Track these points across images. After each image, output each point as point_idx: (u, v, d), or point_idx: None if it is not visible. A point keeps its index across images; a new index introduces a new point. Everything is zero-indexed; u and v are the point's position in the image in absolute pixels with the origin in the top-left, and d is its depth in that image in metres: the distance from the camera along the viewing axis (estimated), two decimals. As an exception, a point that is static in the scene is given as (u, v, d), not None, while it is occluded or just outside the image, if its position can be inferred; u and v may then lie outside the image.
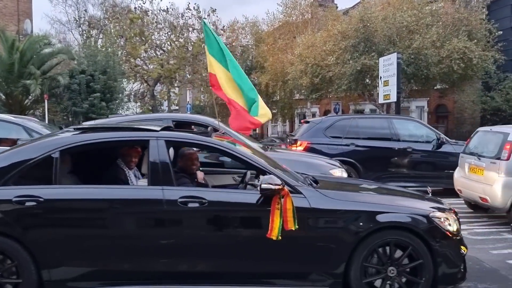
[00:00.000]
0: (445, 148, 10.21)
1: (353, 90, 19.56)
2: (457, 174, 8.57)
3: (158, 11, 28.84)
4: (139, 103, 32.61)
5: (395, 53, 14.99)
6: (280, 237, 3.87)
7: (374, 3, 20.91)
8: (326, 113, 26.97)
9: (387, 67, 15.20)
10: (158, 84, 30.96)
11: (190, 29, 28.27)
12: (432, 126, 13.31)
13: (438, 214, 4.30)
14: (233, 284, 4.09)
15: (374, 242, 4.10)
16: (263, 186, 3.87)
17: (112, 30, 28.33)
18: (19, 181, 4.04)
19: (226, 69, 5.60)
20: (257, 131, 37.82)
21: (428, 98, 23.55)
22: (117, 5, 30.54)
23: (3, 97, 21.36)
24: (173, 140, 4.34)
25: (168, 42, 28.73)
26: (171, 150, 4.97)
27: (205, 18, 27.86)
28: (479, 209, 8.41)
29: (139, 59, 28.78)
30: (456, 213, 4.57)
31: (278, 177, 4.02)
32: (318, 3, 27.72)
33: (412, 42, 17.33)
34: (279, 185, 3.88)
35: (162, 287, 4.05)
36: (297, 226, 3.91)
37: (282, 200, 3.90)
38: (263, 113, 5.49)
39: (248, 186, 4.51)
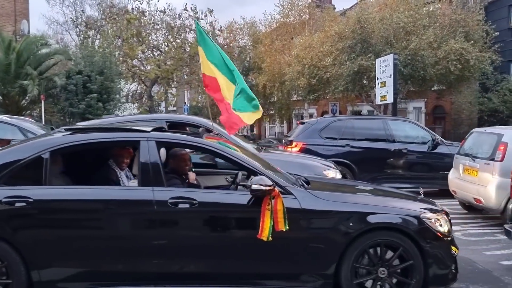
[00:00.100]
0: (440, 149, 10.22)
1: (350, 91, 19.60)
2: (451, 175, 8.58)
3: (155, 12, 28.89)
4: (136, 104, 32.58)
5: (392, 54, 14.99)
6: (270, 238, 3.86)
7: (371, 4, 20.96)
8: (323, 114, 26.99)
9: (384, 68, 15.19)
10: (156, 85, 30.95)
11: (187, 30, 28.27)
12: (429, 127, 13.37)
13: (429, 215, 4.29)
14: (225, 285, 4.08)
15: (365, 243, 4.10)
16: (254, 187, 3.87)
17: (109, 31, 28.31)
18: (9, 181, 4.03)
19: (220, 70, 5.59)
20: (254, 132, 37.85)
21: (426, 99, 23.60)
22: (114, 6, 30.53)
23: (0, 97, 21.34)
24: (163, 141, 4.33)
25: (165, 43, 28.73)
26: (163, 151, 4.97)
27: (202, 19, 27.90)
28: (474, 210, 8.42)
29: (136, 59, 28.78)
30: (447, 214, 4.57)
31: (269, 178, 4.01)
32: (315, 4, 27.77)
33: (409, 43, 17.37)
34: (270, 186, 3.87)
35: (152, 288, 4.04)
36: (287, 227, 3.91)
37: (273, 201, 3.90)
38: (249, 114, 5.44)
39: (239, 187, 4.50)
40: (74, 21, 32.33)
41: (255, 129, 39.71)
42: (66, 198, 4.07)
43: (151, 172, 4.07)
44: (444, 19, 18.75)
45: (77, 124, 8.07)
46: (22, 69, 20.36)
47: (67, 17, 33.52)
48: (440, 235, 4.26)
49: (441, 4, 19.91)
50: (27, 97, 21.31)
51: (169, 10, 29.25)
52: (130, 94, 32.39)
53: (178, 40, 28.24)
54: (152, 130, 4.36)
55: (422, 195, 5.10)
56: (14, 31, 27.15)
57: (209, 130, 6.09)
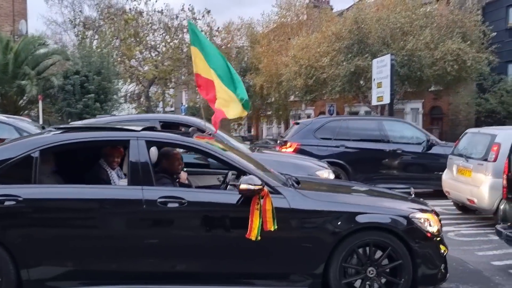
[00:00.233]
0: (435, 150, 10.23)
1: (347, 92, 19.62)
2: (445, 175, 8.60)
3: (153, 12, 28.90)
4: (134, 105, 32.59)
5: (389, 55, 15.00)
6: (259, 238, 3.87)
7: (368, 4, 20.98)
8: (320, 115, 27.02)
9: (381, 68, 15.21)
10: (153, 85, 30.96)
11: (185, 30, 28.28)
12: (426, 128, 13.40)
13: (418, 215, 4.30)
14: (215, 284, 4.09)
15: (354, 243, 4.11)
16: (242, 186, 3.88)
17: (107, 31, 28.33)
18: None
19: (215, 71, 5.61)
20: (252, 133, 37.90)
21: (423, 100, 23.63)
22: (112, 6, 30.54)
23: (-2, 97, 21.36)
24: (153, 140, 4.34)
25: (163, 43, 28.75)
26: (155, 151, 4.98)
27: (199, 19, 27.93)
28: (468, 211, 8.43)
29: (134, 60, 28.79)
30: (437, 214, 4.58)
31: (258, 177, 4.02)
32: (313, 5, 27.79)
33: (406, 44, 17.39)
34: (259, 185, 3.88)
35: (141, 287, 4.05)
36: (276, 227, 3.91)
37: (262, 200, 3.91)
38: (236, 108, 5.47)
39: (229, 187, 4.51)
40: (72, 21, 32.32)
41: (252, 129, 39.78)
42: (55, 197, 4.08)
43: (140, 171, 4.07)
44: (441, 19, 18.78)
45: (70, 123, 8.08)
46: (20, 69, 20.36)
47: (65, 17, 33.48)
48: (429, 235, 4.27)
49: (438, 5, 19.95)
50: (25, 97, 21.28)
51: (167, 10, 29.33)
52: (128, 94, 32.40)
53: (175, 41, 28.26)
54: (142, 130, 4.38)
55: (413, 195, 5.12)
56: (12, 31, 27.16)
57: (202, 130, 6.12)
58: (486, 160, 7.32)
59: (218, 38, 29.06)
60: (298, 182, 4.61)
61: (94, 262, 4.02)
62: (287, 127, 33.00)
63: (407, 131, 10.69)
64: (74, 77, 20.86)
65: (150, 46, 29.13)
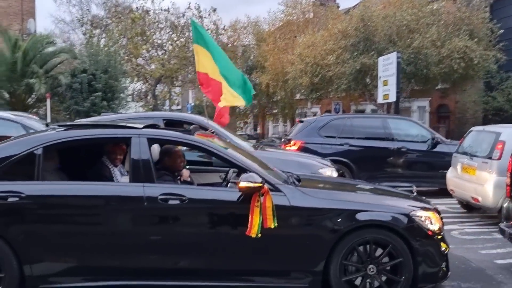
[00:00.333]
0: (440, 148, 10.19)
1: (353, 90, 19.56)
2: (450, 174, 8.56)
3: (159, 11, 28.98)
4: (141, 103, 32.73)
5: (395, 53, 14.95)
6: (259, 235, 3.89)
7: (374, 2, 20.88)
8: (326, 113, 26.97)
9: (387, 66, 15.17)
10: (160, 84, 31.07)
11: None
12: (433, 126, 13.30)
13: (419, 213, 4.30)
14: (216, 281, 4.11)
15: (354, 240, 4.11)
16: (242, 184, 3.90)
17: (115, 30, 28.46)
18: (2, 176, 4.08)
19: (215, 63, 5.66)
20: (257, 131, 37.91)
21: (430, 98, 23.49)
22: (120, 5, 30.65)
23: (7, 95, 21.52)
24: (154, 138, 4.37)
25: (169, 42, 28.83)
26: (157, 148, 5.02)
27: (206, 18, 27.97)
28: (472, 209, 8.40)
29: (140, 58, 28.89)
30: (439, 212, 4.57)
31: (258, 175, 4.04)
32: (319, 2, 27.73)
33: (412, 41, 17.29)
34: (259, 183, 3.90)
35: (142, 283, 4.09)
36: (276, 224, 3.93)
37: (262, 198, 3.92)
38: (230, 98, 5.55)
39: (230, 184, 4.54)
40: (79, 20, 32.48)
41: (258, 128, 39.80)
42: (58, 194, 4.13)
43: (142, 168, 4.11)
44: (448, 17, 18.64)
45: (75, 121, 8.15)
46: (28, 67, 20.52)
47: (73, 16, 33.66)
48: (430, 233, 4.26)
49: (445, 2, 19.81)
50: (33, 95, 21.46)
51: (173, 9, 29.42)
52: (135, 93, 32.55)
53: (182, 39, 28.31)
54: (144, 127, 4.41)
55: (415, 193, 5.11)
56: (20, 30, 27.38)
57: (205, 128, 6.16)
58: (490, 158, 7.28)
59: (224, 36, 29.10)
60: (299, 180, 4.62)
61: (96, 258, 4.07)
62: (293, 125, 32.98)
63: (412, 129, 10.65)
64: (81, 75, 20.98)
65: (156, 44, 29.22)
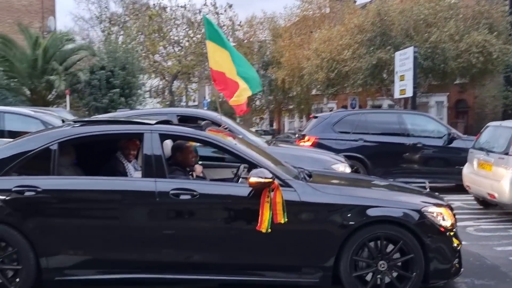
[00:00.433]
0: (456, 144, 10.06)
1: (370, 85, 19.41)
2: (466, 169, 8.46)
3: (176, 7, 29.15)
4: (159, 99, 33.00)
5: (412, 47, 14.77)
6: (269, 230, 3.92)
7: (391, -4, 20.66)
8: (342, 108, 26.81)
9: (403, 61, 14.99)
10: (176, 80, 31.26)
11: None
12: (451, 122, 13.11)
13: (431, 209, 4.27)
14: (226, 275, 4.16)
15: (364, 236, 4.11)
16: (252, 179, 3.94)
17: (132, 27, 28.74)
18: (19, 171, 4.20)
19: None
20: (273, 127, 37.88)
21: (448, 93, 23.17)
22: (137, 2, 30.92)
23: (28, 92, 21.95)
24: (166, 134, 4.43)
25: (186, 38, 28.98)
26: (170, 144, 5.09)
27: (222, 14, 28.02)
28: (489, 205, 8.29)
29: (157, 55, 29.11)
30: (451, 208, 4.54)
31: (268, 170, 4.07)
32: (336, -3, 27.54)
33: (430, 36, 17.07)
34: (269, 178, 3.93)
35: (155, 276, 4.15)
36: (286, 219, 3.96)
37: (272, 193, 3.95)
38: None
39: (241, 180, 4.57)
40: (98, 17, 32.86)
41: (274, 123, 39.76)
42: (73, 188, 4.22)
43: (154, 163, 4.17)
44: (466, 10, 18.35)
45: (92, 117, 8.29)
46: (49, 64, 20.90)
47: (92, 13, 34.08)
48: (442, 229, 4.24)
49: (464, -4, 19.51)
50: (53, 92, 21.84)
51: (190, 5, 29.58)
52: (153, 89, 32.83)
53: (198, 35, 28.42)
54: (156, 123, 4.47)
55: (428, 190, 5.08)
56: (41, 27, 27.86)
57: (218, 124, 6.21)
58: (507, 154, 7.17)
59: (240, 32, 29.13)
60: (310, 176, 4.64)
61: (110, 251, 4.14)
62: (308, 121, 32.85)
63: (428, 125, 10.54)
64: (100, 72, 21.25)
65: (173, 41, 29.41)
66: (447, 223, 4.30)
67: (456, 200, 9.06)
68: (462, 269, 4.44)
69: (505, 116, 20.10)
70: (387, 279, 4.16)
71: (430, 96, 21.97)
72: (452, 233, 4.34)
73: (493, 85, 20.70)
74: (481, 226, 7.25)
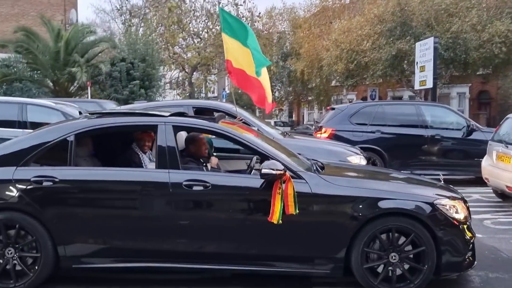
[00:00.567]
0: (476, 136, 9.92)
1: (389, 76, 19.18)
2: (484, 162, 8.34)
3: (196, -1, 29.18)
4: (178, 91, 33.22)
5: (432, 38, 14.55)
6: (281, 221, 3.95)
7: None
8: (362, 100, 26.56)
9: (424, 52, 14.80)
10: (196, 71, 31.40)
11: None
12: (473, 113, 12.89)
13: (444, 201, 4.24)
14: (238, 265, 4.22)
15: (376, 228, 4.11)
16: (263, 171, 3.97)
17: (153, 19, 28.92)
18: (38, 162, 4.33)
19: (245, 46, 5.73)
20: (293, 118, 37.77)
21: (470, 84, 22.75)
22: (157, -7, 31.06)
23: (51, 84, 22.35)
24: (180, 126, 4.49)
25: (205, 30, 29.04)
26: (184, 135, 5.16)
27: (241, 5, 27.94)
28: (508, 198, 8.16)
29: (177, 46, 29.26)
30: (465, 201, 4.51)
31: (280, 162, 4.10)
32: (356, -13, 27.16)
33: (451, 26, 16.75)
34: (280, 170, 3.96)
35: (168, 266, 4.24)
36: (297, 211, 3.99)
37: (284, 185, 3.99)
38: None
39: (254, 171, 4.62)
40: (118, 9, 33.18)
41: (293, 115, 39.64)
42: (89, 179, 4.32)
43: (167, 155, 4.23)
44: (489, 0, 17.94)
45: (111, 109, 8.44)
46: (71, 56, 21.20)
47: (113, 6, 34.52)
48: (455, 222, 4.20)
49: (488, -15, 19.03)
50: (75, 84, 22.19)
51: (209, -3, 29.51)
52: (173, 80, 33.07)
53: (217, 27, 28.45)
54: (170, 115, 4.54)
55: (442, 182, 5.04)
56: (63, 20, 28.27)
57: (233, 116, 6.26)
58: (526, 146, 7.05)
59: (259, 23, 29.03)
60: (323, 168, 4.65)
61: (125, 240, 4.23)
62: (327, 112, 32.62)
63: (446, 116, 10.39)
64: (120, 64, 21.52)
65: (192, 32, 29.51)
66: (460, 216, 4.27)
67: (474, 192, 8.96)
68: (475, 262, 4.41)
69: (529, 108, 19.67)
70: (398, 271, 4.15)
71: (451, 87, 21.62)
72: (465, 226, 4.31)
73: (517, 75, 20.24)
74: (499, 219, 7.16)
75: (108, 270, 4.35)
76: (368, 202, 4.13)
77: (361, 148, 7.98)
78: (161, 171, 4.22)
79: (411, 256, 4.20)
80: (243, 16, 28.23)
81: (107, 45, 22.79)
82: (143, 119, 4.62)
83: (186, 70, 30.56)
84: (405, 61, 18.17)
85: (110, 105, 13.18)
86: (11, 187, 4.20)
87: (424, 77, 14.91)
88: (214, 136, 5.30)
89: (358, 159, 6.80)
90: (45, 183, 4.19)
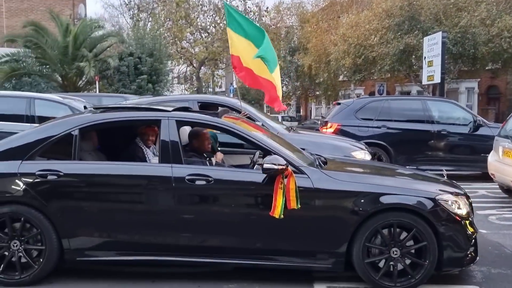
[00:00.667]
0: (482, 131, 9.85)
1: (397, 71, 19.08)
2: (491, 157, 8.28)
3: (203, -7, 29.13)
4: (186, 85, 33.28)
5: (440, 32, 14.43)
6: (282, 216, 3.98)
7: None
8: (370, 95, 26.45)
9: (432, 46, 14.68)
10: (203, 66, 31.42)
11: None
12: (482, 108, 12.78)
13: (446, 196, 4.24)
14: (240, 259, 4.25)
15: (377, 223, 4.11)
16: (265, 166, 4.00)
17: (160, 13, 28.95)
18: (42, 155, 4.38)
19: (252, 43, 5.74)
20: (300, 113, 37.70)
21: (479, 79, 22.56)
22: (165, -12, 31.06)
23: (59, 78, 22.50)
24: (183, 120, 4.52)
25: (213, 25, 29.03)
26: (188, 130, 5.19)
27: (249, 0, 27.88)
28: (515, 194, 8.12)
29: (184, 41, 29.29)
30: (468, 197, 4.50)
31: (282, 157, 4.12)
32: (364, -19, 26.99)
33: (460, 20, 16.61)
34: (282, 165, 3.98)
35: (171, 259, 4.28)
36: (299, 206, 4.01)
37: (285, 179, 4.01)
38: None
39: (256, 166, 4.64)
40: (127, 4, 33.23)
41: (301, 110, 39.58)
42: (93, 173, 4.36)
43: (170, 149, 4.27)
44: (500, -7, 17.77)
45: (118, 103, 8.49)
46: (79, 51, 21.30)
47: (121, 0, 34.55)
48: (457, 217, 4.20)
49: (498, -22, 18.83)
50: (84, 78, 22.33)
51: (216, -9, 29.46)
52: (181, 75, 33.12)
53: (225, 22, 28.42)
54: (173, 110, 4.57)
55: (445, 177, 5.03)
56: (71, 15, 28.43)
57: (238, 111, 6.29)
58: (533, 142, 7.00)
59: (267, 18, 28.95)
60: (325, 163, 4.66)
61: (128, 234, 4.28)
62: (336, 107, 32.50)
63: (453, 111, 10.33)
64: (128, 58, 21.59)
65: (200, 27, 29.51)
66: (463, 211, 4.27)
67: (480, 188, 8.93)
68: (477, 258, 4.40)
69: (539, 103, 19.48)
70: (399, 266, 4.16)
71: (460, 82, 21.45)
72: (467, 222, 4.30)
73: (527, 70, 20.05)
74: (504, 215, 7.13)
75: (112, 263, 4.42)
76: (369, 197, 4.14)
77: (366, 143, 7.98)
78: (164, 165, 4.26)
79: (413, 251, 4.21)
80: (250, 11, 28.18)
81: (115, 39, 22.89)
82: (147, 114, 4.65)
83: (194, 64, 30.59)
84: (413, 56, 18.03)
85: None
86: (16, 181, 4.26)
87: (432, 72, 14.80)
88: (218, 131, 5.33)
89: (362, 154, 6.80)
90: (50, 177, 4.25)
